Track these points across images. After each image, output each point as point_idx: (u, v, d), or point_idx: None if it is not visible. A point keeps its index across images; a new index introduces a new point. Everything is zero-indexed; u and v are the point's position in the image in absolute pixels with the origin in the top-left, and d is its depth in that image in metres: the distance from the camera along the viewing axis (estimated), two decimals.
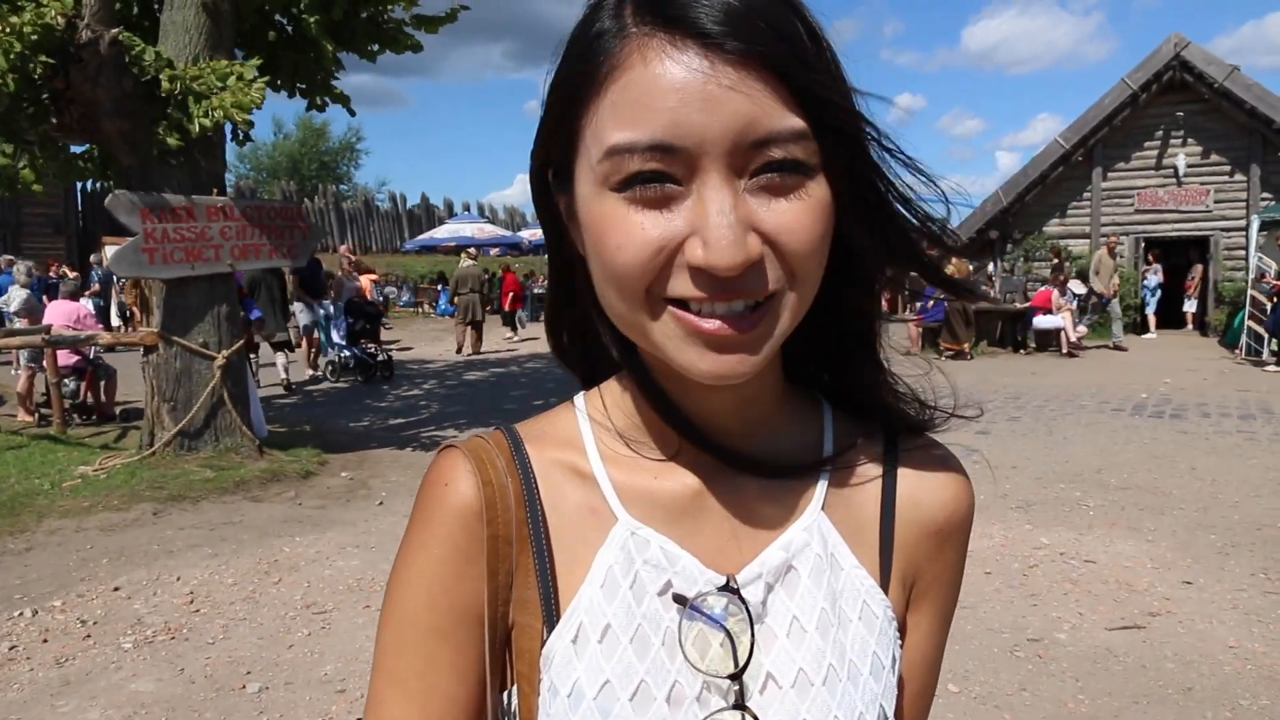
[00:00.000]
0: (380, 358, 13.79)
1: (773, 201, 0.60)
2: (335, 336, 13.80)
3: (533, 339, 19.47)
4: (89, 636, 4.46)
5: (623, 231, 0.61)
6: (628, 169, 0.60)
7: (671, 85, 0.58)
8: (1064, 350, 15.63)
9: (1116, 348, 16.00)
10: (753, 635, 0.68)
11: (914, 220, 0.70)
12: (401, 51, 8.79)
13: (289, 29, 8.56)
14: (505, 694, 0.72)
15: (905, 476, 0.78)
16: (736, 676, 0.67)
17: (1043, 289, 16.42)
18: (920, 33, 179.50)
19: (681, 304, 0.62)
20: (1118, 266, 16.79)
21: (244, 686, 3.90)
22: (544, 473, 0.73)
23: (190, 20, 7.57)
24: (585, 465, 0.74)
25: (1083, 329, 16.46)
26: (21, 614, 4.71)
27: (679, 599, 0.68)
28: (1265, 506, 6.24)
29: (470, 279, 16.63)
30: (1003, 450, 8.21)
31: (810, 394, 0.81)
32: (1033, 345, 16.21)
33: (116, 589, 5.08)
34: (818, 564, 0.72)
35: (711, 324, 0.61)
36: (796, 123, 0.60)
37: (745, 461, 0.73)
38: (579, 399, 0.79)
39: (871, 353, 0.78)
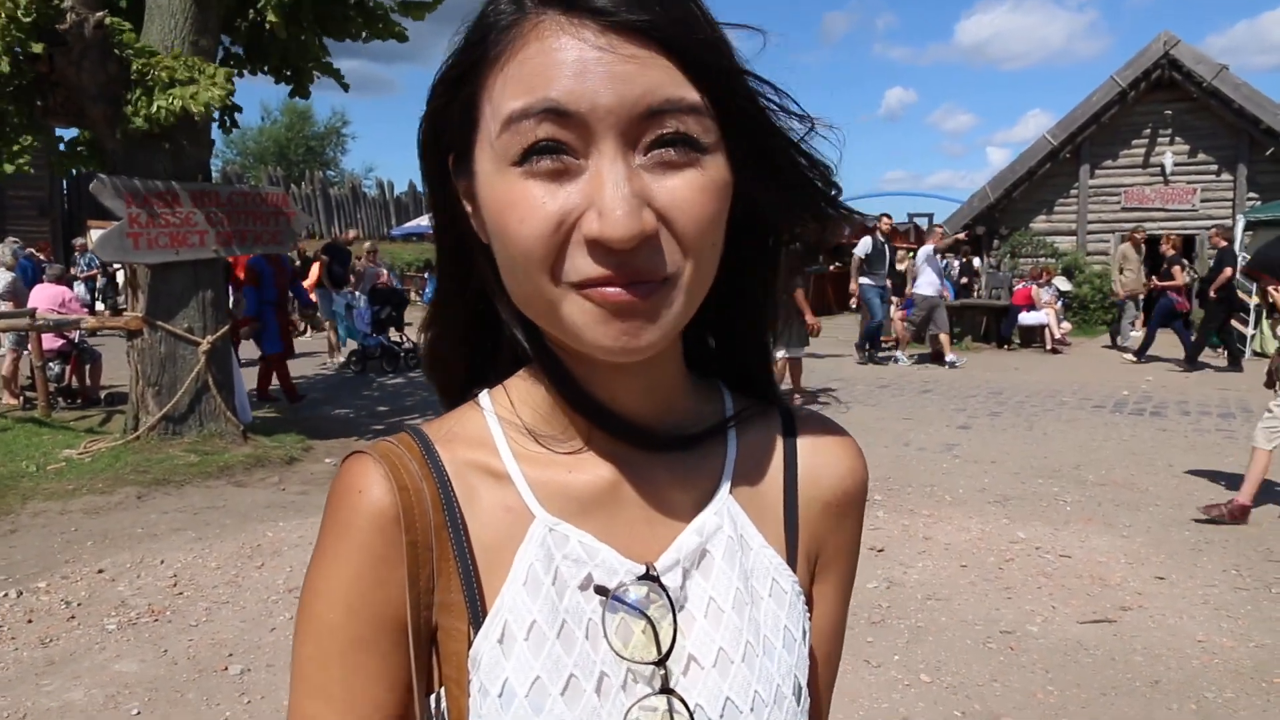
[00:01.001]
0: (406, 345, 13.25)
1: (666, 177, 0.61)
2: (359, 325, 13.45)
3: None
4: (73, 618, 4.49)
5: (524, 206, 0.61)
6: (525, 139, 0.60)
7: (567, 57, 0.60)
8: (1048, 346, 15.74)
9: (1122, 349, 15.13)
10: (675, 620, 0.70)
11: (810, 171, 0.71)
12: (387, 39, 8.77)
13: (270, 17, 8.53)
14: (432, 697, 0.72)
15: (804, 454, 0.81)
16: (661, 662, 0.69)
17: (1021, 286, 16.49)
18: (913, 27, 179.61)
19: (578, 285, 0.63)
20: (1142, 263, 15.56)
21: (226, 668, 3.94)
22: (458, 474, 0.72)
23: (175, 4, 7.55)
24: (498, 464, 0.73)
25: (1067, 325, 16.55)
26: (6, 595, 4.74)
27: (600, 590, 0.69)
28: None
29: None
30: (982, 445, 8.29)
31: (709, 380, 0.82)
32: (1017, 341, 16.31)
33: (101, 571, 5.10)
34: (729, 545, 0.74)
35: (614, 290, 0.61)
36: (692, 95, 0.61)
37: (655, 440, 0.74)
38: (483, 397, 0.78)
39: (761, 332, 0.81)
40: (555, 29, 0.60)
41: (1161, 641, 4.18)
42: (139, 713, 3.58)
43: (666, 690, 0.69)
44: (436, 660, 0.71)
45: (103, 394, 10.46)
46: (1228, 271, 13.30)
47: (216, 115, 7.40)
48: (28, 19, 6.43)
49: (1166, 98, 17.58)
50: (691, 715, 0.68)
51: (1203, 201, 17.82)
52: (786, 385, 10.44)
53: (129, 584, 4.94)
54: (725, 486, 0.76)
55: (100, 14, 6.76)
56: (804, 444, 0.81)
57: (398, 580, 0.69)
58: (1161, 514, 6.13)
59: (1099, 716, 3.53)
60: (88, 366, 10.44)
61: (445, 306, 0.80)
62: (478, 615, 0.69)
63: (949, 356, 13.95)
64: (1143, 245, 15.47)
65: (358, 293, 14.08)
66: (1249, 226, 15.49)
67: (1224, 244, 14.08)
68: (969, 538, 5.62)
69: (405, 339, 13.54)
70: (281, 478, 7.15)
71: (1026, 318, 16.13)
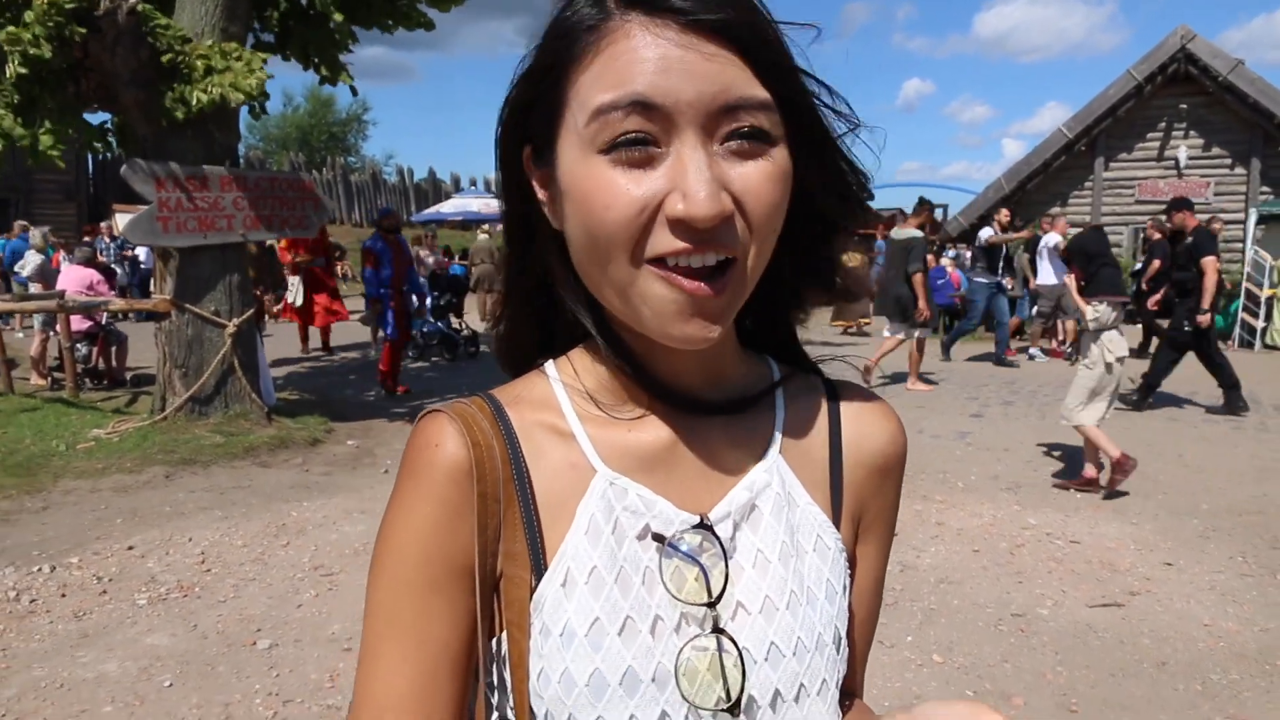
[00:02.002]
0: (464, 333, 12.96)
1: (740, 165, 0.68)
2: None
3: None
4: (105, 592, 4.62)
5: (610, 192, 0.67)
6: (613, 130, 0.66)
7: (652, 54, 0.66)
8: (1060, 337, 15.70)
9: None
10: (726, 566, 0.75)
11: (850, 172, 0.79)
12: (414, 28, 8.87)
13: (303, 1, 8.64)
14: (494, 640, 0.77)
15: (848, 422, 0.87)
16: (713, 604, 0.74)
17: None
18: (932, 17, 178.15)
19: (661, 262, 0.68)
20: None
21: (255, 643, 4.06)
22: (525, 433, 0.78)
23: None
24: (563, 424, 0.79)
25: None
26: (40, 569, 4.87)
27: (658, 538, 0.75)
28: (1248, 494, 6.39)
29: (483, 251, 17.54)
30: (995, 433, 8.36)
31: (757, 353, 0.89)
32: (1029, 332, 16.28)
33: (131, 548, 5.24)
34: (777, 501, 0.80)
35: (692, 283, 0.68)
36: (763, 93, 0.67)
37: (709, 406, 0.80)
38: (549, 366, 0.84)
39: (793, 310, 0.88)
40: (640, 29, 0.67)
41: (1169, 625, 4.26)
42: (171, 684, 3.70)
43: (717, 630, 0.74)
44: (499, 606, 0.76)
45: (129, 375, 10.63)
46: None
47: (244, 104, 7.50)
48: (69, 4, 6.55)
49: (1182, 92, 17.51)
50: (740, 654, 0.74)
51: (1216, 195, 17.76)
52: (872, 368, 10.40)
53: (158, 560, 5.07)
54: (775, 447, 0.83)
55: (133, 0, 6.87)
56: (847, 411, 0.88)
57: (468, 529, 0.75)
58: (1170, 502, 6.20)
59: (1107, 697, 3.62)
60: (114, 348, 10.60)
61: (514, 291, 0.86)
62: (540, 563, 0.75)
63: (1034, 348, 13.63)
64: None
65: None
66: (1261, 220, 15.47)
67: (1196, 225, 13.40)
68: (981, 523, 5.70)
69: (464, 326, 13.17)
70: (305, 459, 7.28)
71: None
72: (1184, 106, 17.55)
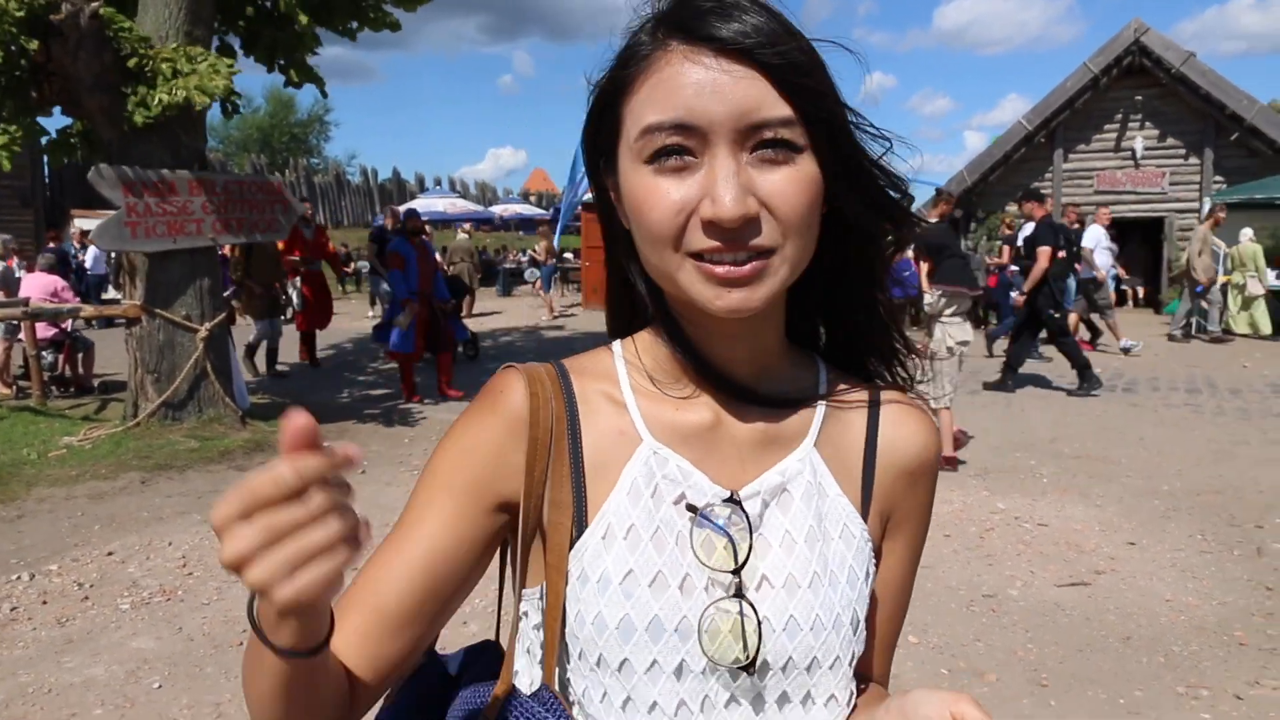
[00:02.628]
0: (467, 335, 12.32)
1: (768, 172, 0.77)
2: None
3: (496, 312, 19.58)
4: (87, 598, 4.61)
5: (655, 196, 0.78)
6: (657, 144, 0.77)
7: (690, 80, 0.76)
8: None
9: (1215, 340, 14.11)
10: (751, 539, 0.83)
11: (885, 182, 0.87)
12: (380, 29, 8.86)
13: (268, 4, 8.60)
14: (529, 590, 0.87)
15: (885, 424, 0.94)
16: (737, 572, 0.81)
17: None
18: (893, 12, 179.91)
19: (699, 256, 0.78)
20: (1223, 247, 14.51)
21: (242, 644, 4.05)
22: (584, 398, 0.88)
23: None
24: (619, 395, 0.89)
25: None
26: (19, 577, 4.85)
27: (691, 508, 0.83)
28: (1206, 474, 6.60)
29: (461, 250, 18.11)
30: (963, 421, 8.49)
31: (809, 354, 0.97)
32: (994, 321, 16.55)
33: (110, 554, 5.22)
34: (808, 488, 0.87)
35: (722, 269, 0.77)
36: (786, 110, 0.76)
37: (752, 396, 0.88)
38: (615, 345, 0.94)
39: (875, 315, 0.95)
40: (680, 57, 0.78)
41: (1133, 602, 4.42)
42: (160, 686, 3.71)
43: (739, 595, 0.81)
44: (544, 550, 0.85)
45: (96, 382, 10.51)
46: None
47: (217, 103, 7.45)
48: (19, 12, 6.49)
49: (1137, 84, 17.90)
50: (759, 621, 0.81)
51: (1171, 185, 18.17)
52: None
53: (139, 565, 5.06)
54: (810, 439, 0.90)
55: (95, 4, 6.80)
56: (886, 417, 0.95)
57: (512, 465, 0.85)
58: (1133, 484, 6.39)
59: (1076, 671, 3.76)
60: (80, 355, 10.47)
61: (610, 278, 0.98)
62: (582, 515, 0.84)
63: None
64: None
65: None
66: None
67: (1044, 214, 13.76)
68: (952, 509, 5.85)
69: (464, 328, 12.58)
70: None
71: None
72: (1139, 98, 17.93)
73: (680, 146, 0.77)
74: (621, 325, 0.98)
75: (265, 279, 10.88)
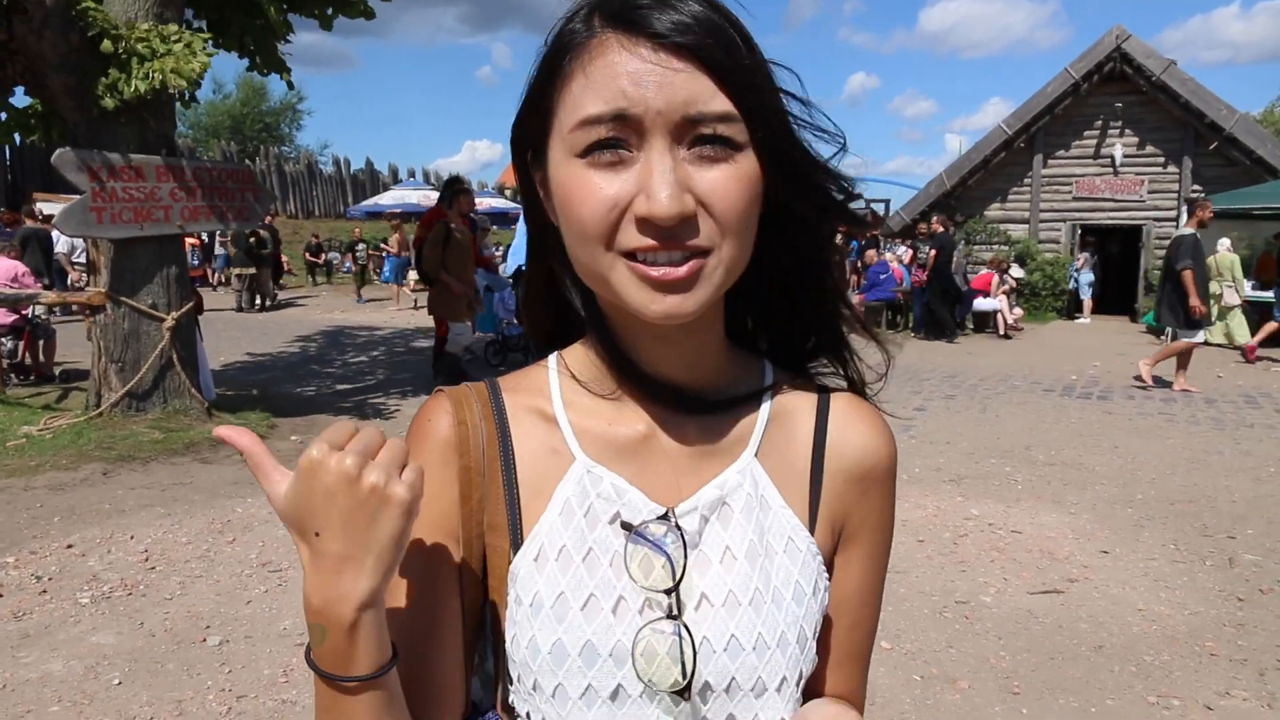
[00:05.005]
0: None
1: (705, 169, 0.73)
2: (501, 312, 11.50)
3: None
4: (45, 592, 4.50)
5: (585, 191, 0.74)
6: (591, 136, 0.73)
7: (627, 70, 0.72)
8: (1001, 332, 16.12)
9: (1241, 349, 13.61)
10: (685, 556, 0.79)
11: (829, 180, 0.84)
12: (355, 16, 8.72)
13: None
14: (485, 603, 0.85)
15: (834, 429, 0.90)
16: (672, 590, 0.79)
17: (983, 272, 16.89)
18: (878, 12, 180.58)
19: (632, 255, 0.74)
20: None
21: (205, 640, 3.99)
22: (515, 417, 0.86)
23: None
24: (550, 410, 0.86)
25: (1019, 312, 16.95)
26: None
27: (626, 526, 0.80)
28: (1179, 483, 6.62)
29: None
30: (938, 426, 8.53)
31: (754, 355, 0.93)
32: (970, 327, 16.68)
33: (70, 546, 5.11)
34: (749, 502, 0.84)
35: (657, 271, 0.73)
36: (725, 105, 0.73)
37: (689, 404, 0.85)
38: (551, 357, 0.91)
39: (823, 313, 0.92)
40: (617, 46, 0.74)
41: (1105, 610, 4.41)
42: (120, 683, 3.63)
43: (674, 617, 0.78)
44: (485, 572, 0.84)
45: (57, 370, 10.32)
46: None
47: (186, 90, 7.29)
48: None
49: (1117, 90, 18.01)
50: (694, 642, 0.78)
51: (1150, 193, 18.30)
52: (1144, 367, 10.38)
53: (100, 559, 4.95)
54: (751, 450, 0.86)
55: None
56: (835, 420, 0.90)
57: (449, 496, 0.83)
58: (1107, 492, 6.39)
59: (1048, 679, 3.73)
60: (41, 342, 10.28)
61: (532, 277, 0.93)
62: (518, 537, 0.82)
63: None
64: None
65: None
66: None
67: (941, 230, 15.91)
68: (925, 514, 5.83)
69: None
70: None
71: (981, 304, 16.50)
72: (1119, 105, 18.05)
73: (615, 140, 0.73)
74: (542, 335, 0.96)
75: (466, 276, 9.56)
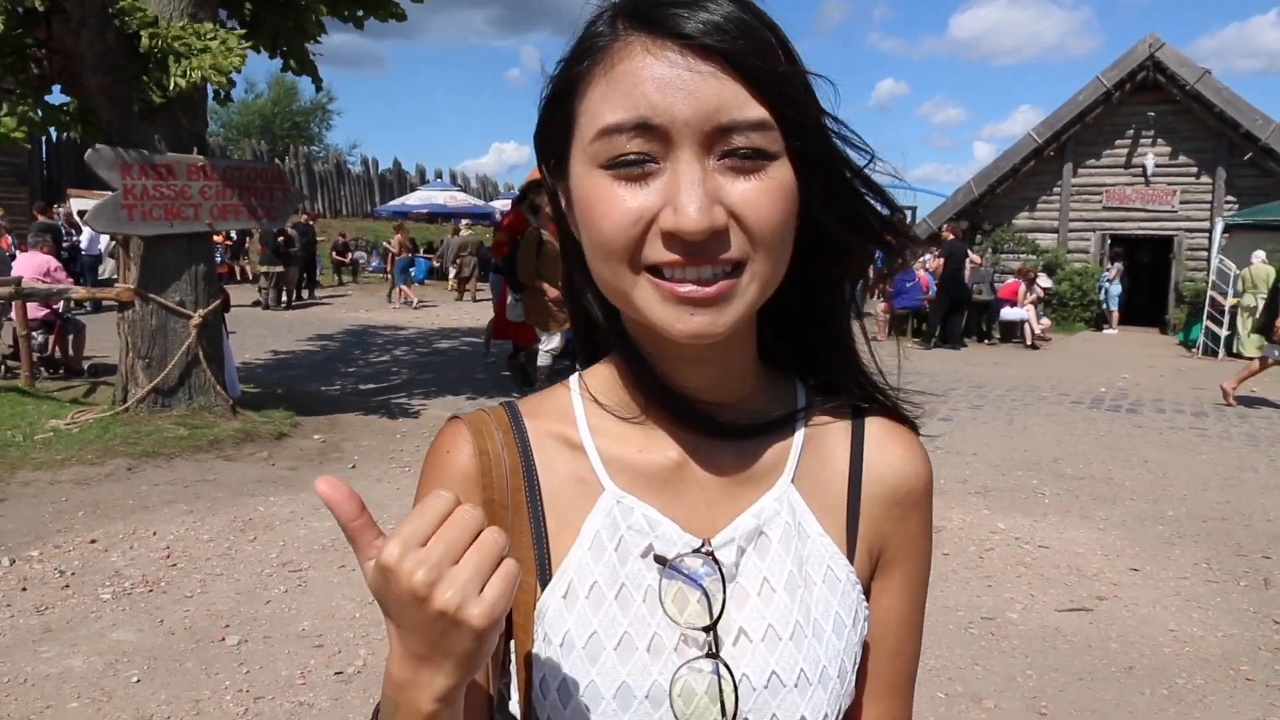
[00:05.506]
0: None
1: (737, 180, 0.69)
2: None
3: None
4: (68, 586, 4.53)
5: (608, 203, 0.69)
6: (615, 148, 0.69)
7: (652, 75, 0.68)
8: (1028, 342, 15.96)
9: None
10: (724, 592, 0.75)
11: (871, 199, 0.79)
12: (386, 19, 8.75)
13: None
14: (510, 641, 0.80)
15: (870, 452, 0.86)
16: (710, 628, 0.75)
17: (1010, 281, 16.74)
18: (908, 18, 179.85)
19: (657, 271, 0.70)
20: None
21: (223, 639, 4.00)
22: (539, 445, 0.81)
23: None
24: (576, 437, 0.81)
25: (1046, 322, 16.78)
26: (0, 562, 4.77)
27: (660, 559, 0.76)
28: (1211, 500, 6.50)
29: (470, 245, 22.02)
30: (964, 437, 8.43)
31: (785, 375, 0.88)
32: (997, 336, 16.52)
33: (93, 541, 5.13)
34: (786, 531, 0.79)
35: (685, 288, 0.69)
36: (760, 112, 0.68)
37: (721, 429, 0.80)
38: (573, 379, 0.86)
39: (841, 336, 0.87)
40: (642, 50, 0.69)
41: (1135, 630, 4.32)
42: (139, 680, 3.63)
43: (714, 655, 0.75)
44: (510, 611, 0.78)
45: (86, 365, 10.41)
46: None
47: (211, 89, 7.35)
48: None
49: (1150, 99, 17.79)
50: (735, 682, 0.74)
51: (1182, 203, 18.06)
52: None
53: (122, 554, 4.97)
54: (787, 476, 0.82)
55: None
56: (871, 443, 0.86)
57: None
58: (1137, 508, 6.28)
59: (1076, 700, 3.66)
60: (71, 337, 10.38)
61: (568, 298, 0.89)
62: (545, 572, 0.77)
63: None
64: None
65: None
66: (1227, 229, 15.72)
67: (951, 238, 15.90)
68: (951, 527, 5.75)
69: None
70: (271, 453, 7.18)
71: (1008, 313, 16.35)
72: (1152, 114, 17.82)
73: (641, 151, 0.69)
74: (588, 353, 0.90)
75: (558, 284, 8.95)
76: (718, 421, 0.80)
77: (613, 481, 0.79)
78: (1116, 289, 18.25)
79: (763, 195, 0.69)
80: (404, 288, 20.97)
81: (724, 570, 0.76)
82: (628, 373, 0.81)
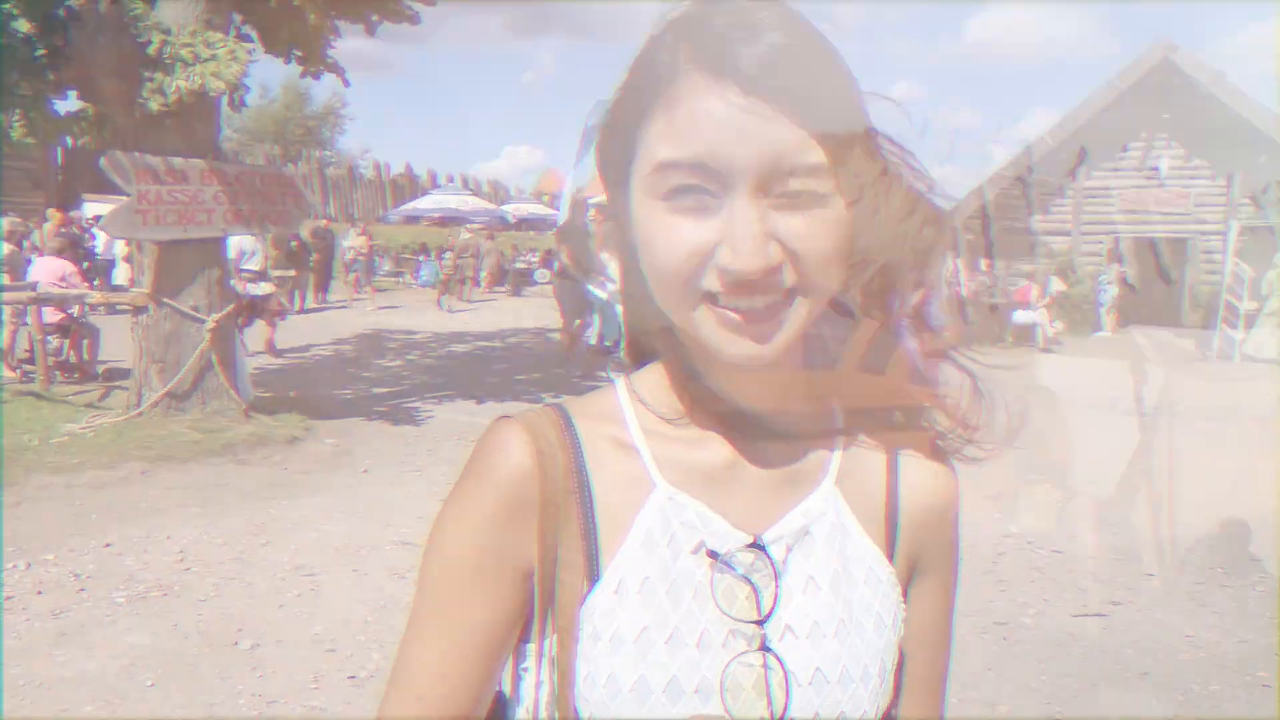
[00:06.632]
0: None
1: (792, 216, 0.71)
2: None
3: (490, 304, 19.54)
4: (82, 590, 4.55)
5: (665, 235, 0.72)
6: (671, 182, 0.71)
7: (712, 116, 0.70)
8: (1041, 345, 15.89)
9: None
10: (777, 587, 0.78)
11: (919, 218, 0.79)
12: (399, 22, 8.79)
13: None
14: (547, 641, 0.81)
15: (906, 465, 0.88)
16: (762, 622, 0.77)
17: (1023, 284, 16.68)
18: (924, 20, 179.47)
19: (712, 298, 0.72)
20: None
21: (237, 643, 4.01)
22: (591, 445, 0.82)
23: None
24: (626, 437, 0.83)
25: (1059, 325, 16.72)
26: (15, 566, 4.79)
27: (712, 554, 0.78)
28: (1227, 505, 6.45)
29: (470, 247, 22.29)
30: None
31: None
32: (1010, 340, 16.45)
33: (108, 545, 5.16)
34: (831, 530, 0.82)
35: (737, 315, 0.72)
36: (818, 157, 0.70)
37: (769, 431, 0.82)
38: (619, 382, 0.88)
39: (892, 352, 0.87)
40: (704, 89, 0.70)
41: (1150, 635, 4.29)
42: (154, 684, 3.65)
43: (765, 649, 0.77)
44: (552, 610, 0.80)
45: (100, 369, 10.48)
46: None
47: (225, 94, 7.40)
48: None
49: (1164, 102, 17.70)
50: (786, 674, 0.76)
51: (1196, 206, 17.97)
52: None
53: (136, 558, 4.99)
54: (831, 477, 0.85)
55: None
56: (907, 456, 0.89)
57: (527, 530, 0.79)
58: (1151, 512, 6.24)
59: (1090, 706, 3.64)
60: (86, 341, 10.44)
61: (625, 293, 0.90)
62: (596, 570, 0.79)
63: None
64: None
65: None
66: (1241, 232, 15.64)
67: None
68: (963, 532, 5.71)
69: None
70: (284, 457, 7.21)
71: (1020, 316, 16.28)
72: (1166, 116, 17.73)
73: (698, 187, 0.71)
74: (637, 356, 0.92)
75: None
76: (763, 425, 0.82)
77: (664, 479, 0.81)
78: (1113, 292, 18.17)
79: (817, 231, 0.71)
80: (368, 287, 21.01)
81: (775, 566, 0.79)
82: (678, 378, 0.83)
